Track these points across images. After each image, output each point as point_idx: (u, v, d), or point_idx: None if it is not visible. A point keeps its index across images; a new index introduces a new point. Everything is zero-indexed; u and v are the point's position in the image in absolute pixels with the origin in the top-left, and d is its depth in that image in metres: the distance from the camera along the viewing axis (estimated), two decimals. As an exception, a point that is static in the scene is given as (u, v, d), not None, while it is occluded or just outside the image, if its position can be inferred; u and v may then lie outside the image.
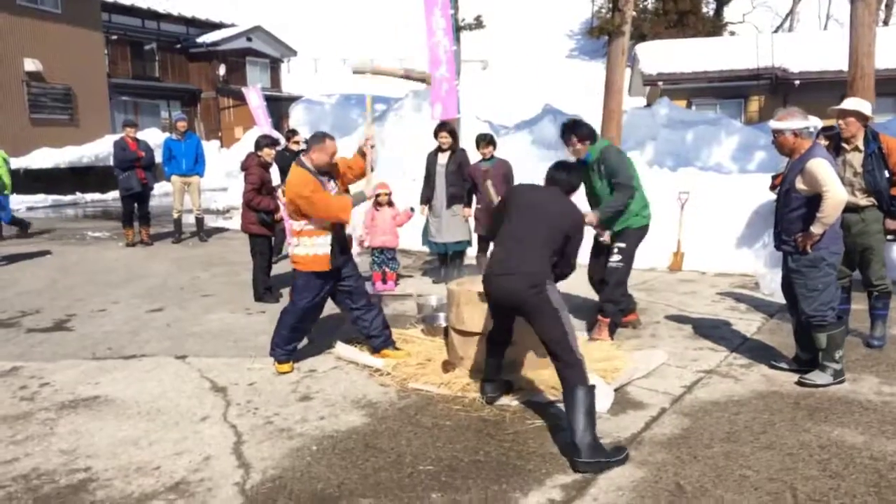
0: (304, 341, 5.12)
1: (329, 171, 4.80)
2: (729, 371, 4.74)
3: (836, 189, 4.11)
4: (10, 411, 4.22)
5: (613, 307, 5.38)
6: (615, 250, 5.30)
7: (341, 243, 4.82)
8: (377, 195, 7.19)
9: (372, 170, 5.06)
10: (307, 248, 4.71)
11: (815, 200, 4.21)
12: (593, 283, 5.66)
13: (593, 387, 3.56)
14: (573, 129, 5.21)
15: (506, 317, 4.03)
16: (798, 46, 19.74)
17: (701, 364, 4.88)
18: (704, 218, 8.41)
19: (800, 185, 4.29)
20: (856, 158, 5.04)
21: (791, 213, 4.38)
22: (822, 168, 4.15)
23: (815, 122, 4.34)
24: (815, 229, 4.21)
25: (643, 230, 5.37)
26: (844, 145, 5.12)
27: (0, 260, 8.80)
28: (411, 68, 5.16)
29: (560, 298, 3.74)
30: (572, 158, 5.17)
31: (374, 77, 4.94)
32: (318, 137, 4.75)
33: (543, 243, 3.81)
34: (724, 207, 8.48)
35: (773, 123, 4.40)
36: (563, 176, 4.08)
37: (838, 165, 5.08)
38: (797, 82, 18.72)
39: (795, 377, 4.51)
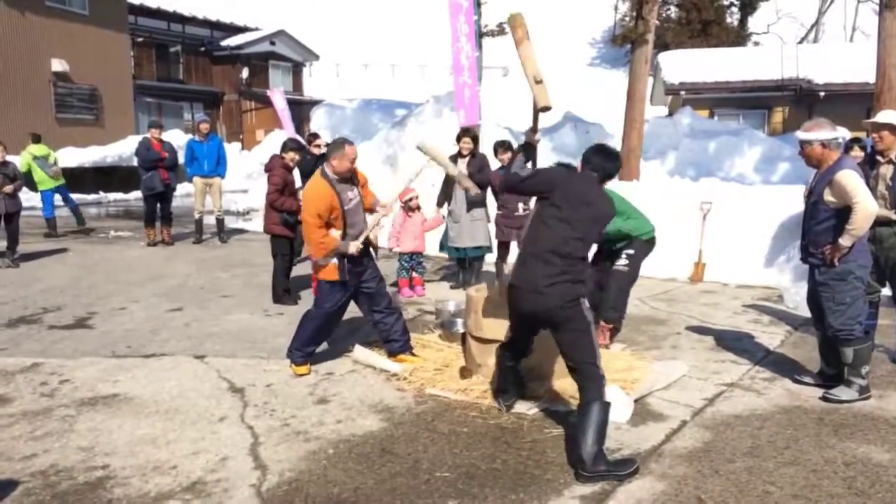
0: (322, 345, 5.11)
1: (350, 177, 4.77)
2: (751, 384, 4.67)
3: (866, 200, 4.03)
4: (30, 407, 4.25)
5: (615, 314, 5.34)
6: (623, 256, 5.28)
7: (351, 257, 4.72)
8: (408, 199, 7.18)
9: (376, 226, 4.98)
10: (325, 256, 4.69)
11: (843, 212, 4.13)
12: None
13: (608, 404, 3.49)
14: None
15: (530, 330, 3.90)
16: (823, 58, 19.53)
17: (723, 377, 4.81)
18: (727, 229, 8.32)
19: (828, 196, 4.21)
20: (889, 172, 4.96)
21: (818, 225, 4.30)
22: (851, 179, 4.07)
23: (843, 133, 4.27)
24: (844, 241, 4.13)
25: (650, 244, 5.39)
26: (879, 158, 5.05)
27: (22, 258, 8.89)
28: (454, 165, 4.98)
29: (591, 313, 3.65)
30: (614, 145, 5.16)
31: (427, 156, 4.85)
32: (338, 144, 4.72)
33: (582, 250, 3.63)
34: (746, 219, 8.39)
35: (801, 134, 4.33)
36: (598, 160, 3.76)
37: (872, 178, 5.01)
38: (822, 94, 18.52)
39: (819, 392, 4.43)
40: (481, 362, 4.61)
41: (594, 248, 5.05)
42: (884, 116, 5.06)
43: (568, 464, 3.49)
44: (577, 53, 42.42)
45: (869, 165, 5.19)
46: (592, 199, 3.67)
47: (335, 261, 4.67)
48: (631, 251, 5.28)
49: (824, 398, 4.35)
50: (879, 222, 5.03)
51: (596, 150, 3.85)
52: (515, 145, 7.83)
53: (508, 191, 4.32)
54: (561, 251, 3.57)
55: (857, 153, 6.69)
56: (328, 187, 4.61)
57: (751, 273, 8.01)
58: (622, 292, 5.34)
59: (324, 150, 9.00)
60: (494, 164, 7.47)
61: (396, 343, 4.98)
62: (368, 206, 4.96)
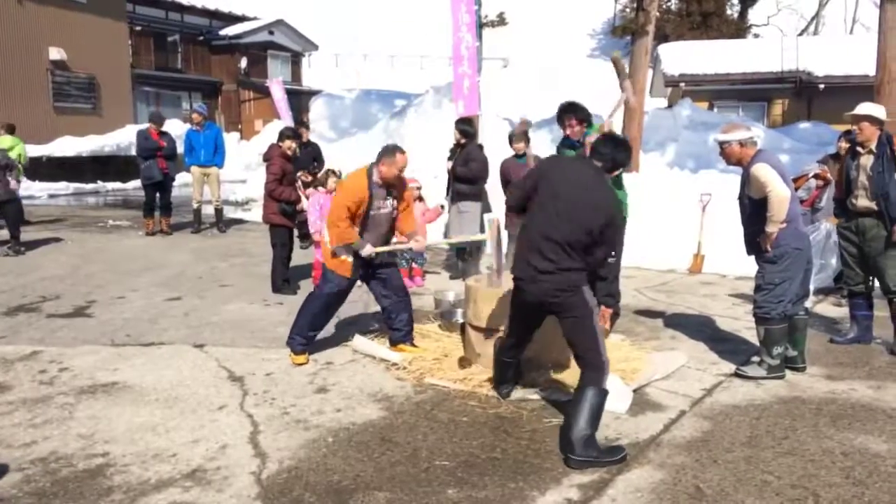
0: (322, 333, 5.11)
1: (394, 184, 4.74)
2: (750, 375, 4.68)
3: (777, 187, 4.26)
4: (29, 395, 4.26)
5: (613, 300, 5.53)
6: None
7: (364, 257, 4.75)
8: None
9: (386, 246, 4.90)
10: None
11: (764, 203, 4.36)
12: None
13: (605, 392, 3.53)
14: (573, 111, 5.28)
15: (533, 319, 3.89)
16: (823, 50, 19.51)
17: (721, 367, 4.82)
18: (726, 221, 8.30)
19: (749, 191, 4.49)
20: (870, 162, 5.05)
21: (749, 218, 4.58)
22: (762, 171, 4.33)
23: (757, 133, 4.61)
24: (769, 228, 4.38)
25: (625, 223, 5.49)
26: (859, 149, 5.14)
27: (20, 246, 8.88)
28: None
29: (594, 300, 3.65)
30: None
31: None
32: (390, 150, 4.67)
33: (578, 238, 3.53)
34: (746, 210, 8.37)
35: (720, 136, 4.63)
36: (606, 150, 3.72)
37: (853, 170, 5.07)
38: (822, 86, 18.51)
39: (818, 383, 4.47)
40: (480, 352, 4.62)
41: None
42: (863, 108, 5.14)
43: (559, 449, 3.50)
44: (576, 44, 42.26)
45: (850, 157, 5.24)
46: (586, 184, 3.61)
47: (350, 258, 4.69)
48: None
49: (736, 373, 4.60)
50: (862, 213, 5.09)
51: (605, 139, 3.87)
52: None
53: (514, 212, 4.07)
54: (552, 237, 3.55)
55: (843, 145, 6.72)
56: (366, 186, 4.62)
57: (749, 264, 7.94)
58: (615, 280, 5.55)
59: (310, 138, 8.99)
60: (502, 153, 7.37)
61: (399, 332, 4.99)
62: (404, 229, 4.92)
